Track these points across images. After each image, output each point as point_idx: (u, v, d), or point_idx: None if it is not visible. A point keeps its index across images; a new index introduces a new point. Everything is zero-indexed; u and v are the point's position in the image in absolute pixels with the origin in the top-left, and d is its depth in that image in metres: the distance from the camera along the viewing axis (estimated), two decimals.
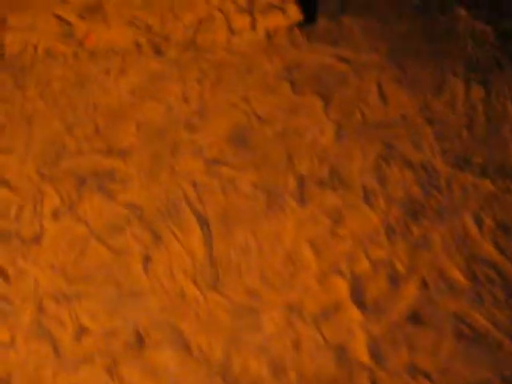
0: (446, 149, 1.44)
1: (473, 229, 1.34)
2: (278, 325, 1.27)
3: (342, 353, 1.23)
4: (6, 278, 1.35)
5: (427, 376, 1.18)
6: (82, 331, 1.26)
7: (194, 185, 1.43)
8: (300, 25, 1.61)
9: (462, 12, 1.64)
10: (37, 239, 1.38)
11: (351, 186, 1.41)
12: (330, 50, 1.58)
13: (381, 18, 1.66)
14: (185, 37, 1.61)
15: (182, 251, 1.35)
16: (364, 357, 1.23)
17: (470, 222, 1.35)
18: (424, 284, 1.29)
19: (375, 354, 1.22)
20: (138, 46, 1.61)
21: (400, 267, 1.31)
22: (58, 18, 1.65)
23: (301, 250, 1.35)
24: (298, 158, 1.45)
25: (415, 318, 1.26)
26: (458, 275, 1.29)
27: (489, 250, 1.32)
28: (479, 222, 1.34)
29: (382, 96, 1.53)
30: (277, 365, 1.23)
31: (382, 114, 1.50)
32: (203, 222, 1.38)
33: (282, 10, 1.59)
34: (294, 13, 1.59)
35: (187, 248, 1.35)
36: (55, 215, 1.40)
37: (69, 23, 1.65)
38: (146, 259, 1.34)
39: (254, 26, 1.59)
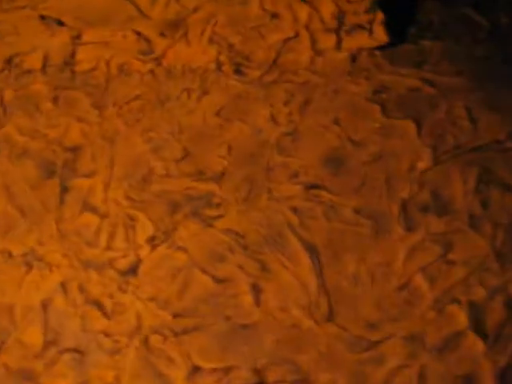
0: None
1: None
2: (400, 356, 1.25)
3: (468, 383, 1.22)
4: (105, 312, 1.27)
5: None
6: (194, 370, 1.20)
7: (295, 210, 1.39)
8: (382, 47, 1.59)
9: None
10: (134, 270, 1.31)
11: (455, 210, 1.40)
12: (415, 73, 1.56)
13: (458, 41, 1.66)
14: (267, 56, 1.57)
15: (293, 281, 1.31)
16: None
17: None
18: None
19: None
20: (219, 64, 1.56)
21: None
22: (137, 33, 1.59)
23: (414, 278, 1.32)
24: (397, 183, 1.43)
25: None
26: None
27: None
28: None
29: (472, 120, 1.52)
30: None
31: (474, 137, 1.49)
32: (311, 250, 1.34)
33: (369, 31, 1.57)
34: (381, 34, 1.57)
35: (297, 277, 1.31)
36: (151, 243, 1.34)
37: (147, 39, 1.59)
38: (256, 290, 1.29)
39: (338, 47, 1.56)
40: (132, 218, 1.36)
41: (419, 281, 1.32)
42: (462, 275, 1.32)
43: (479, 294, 1.30)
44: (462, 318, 1.28)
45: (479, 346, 1.25)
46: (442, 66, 1.62)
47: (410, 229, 1.38)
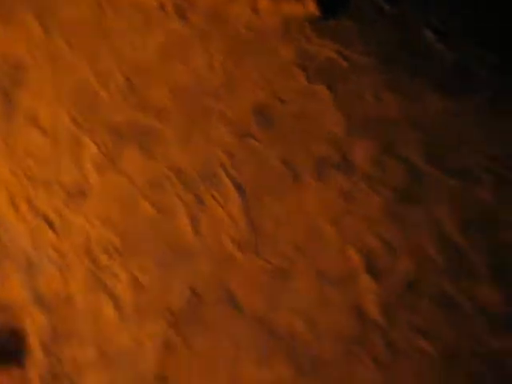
0: (430, 152, 1.76)
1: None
2: (308, 286, 1.50)
3: (358, 312, 1.51)
4: (54, 228, 1.34)
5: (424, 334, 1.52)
6: (138, 286, 1.34)
7: (228, 154, 1.55)
8: (312, 20, 1.78)
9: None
10: (81, 191, 1.38)
11: (359, 172, 1.66)
12: (335, 47, 1.78)
13: (373, 26, 1.90)
14: (210, 5, 1.67)
15: (225, 216, 1.49)
16: (377, 316, 1.52)
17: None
18: (416, 256, 1.61)
19: (386, 314, 1.52)
20: (162, 5, 1.63)
21: (396, 243, 1.62)
22: None
23: (320, 222, 1.57)
24: (315, 141, 1.65)
25: (410, 285, 1.59)
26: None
27: None
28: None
29: (376, 97, 1.79)
30: (308, 319, 1.46)
31: (378, 112, 1.76)
32: (240, 190, 1.52)
33: (304, 4, 1.74)
34: (313, 9, 1.75)
35: (229, 213, 1.49)
36: (97, 168, 1.42)
37: None
38: (193, 221, 1.45)
39: (275, 11, 1.72)
40: (78, 141, 1.43)
41: (326, 227, 1.58)
42: (358, 225, 1.61)
43: (373, 242, 1.59)
44: (357, 260, 1.57)
45: (368, 281, 1.55)
46: (357, 45, 1.86)
47: (319, 181, 1.63)
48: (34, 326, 1.23)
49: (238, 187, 1.54)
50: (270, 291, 1.47)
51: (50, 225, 1.34)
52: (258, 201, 1.54)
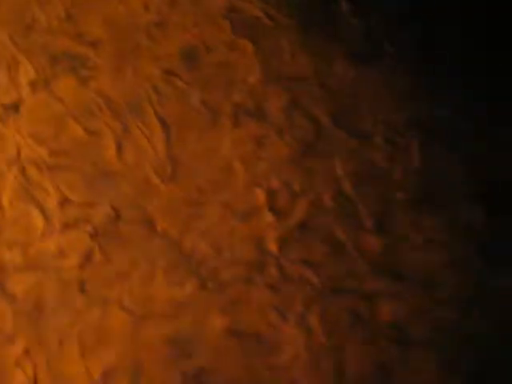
0: (335, 112, 1.97)
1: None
2: (218, 217, 1.67)
3: (258, 243, 1.70)
4: None
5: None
6: (65, 201, 1.44)
7: (155, 89, 1.67)
8: None
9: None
10: (15, 107, 1.45)
11: (269, 120, 1.84)
12: (261, 6, 1.93)
13: None
14: None
15: (148, 146, 1.61)
16: (274, 248, 1.72)
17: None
18: (313, 201, 1.82)
19: (281, 248, 1.72)
20: None
21: (297, 187, 1.82)
22: None
23: (233, 163, 1.74)
24: (233, 88, 1.81)
25: (305, 225, 1.80)
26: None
27: None
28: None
29: (292, 55, 1.96)
30: (216, 246, 1.63)
31: (291, 70, 1.94)
32: (163, 124, 1.65)
33: None
34: None
35: (151, 143, 1.62)
36: (32, 87, 1.49)
37: None
38: (118, 146, 1.56)
39: None
40: (16, 60, 1.50)
41: (238, 166, 1.75)
42: (266, 168, 1.79)
43: (277, 185, 1.79)
44: (262, 198, 1.76)
45: (270, 218, 1.74)
46: (282, 7, 2.03)
47: (235, 125, 1.79)
48: None
49: (162, 122, 1.67)
50: (184, 218, 1.63)
51: None
52: (179, 136, 1.68)
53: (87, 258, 1.45)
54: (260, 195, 1.79)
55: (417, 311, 1.94)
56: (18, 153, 1.46)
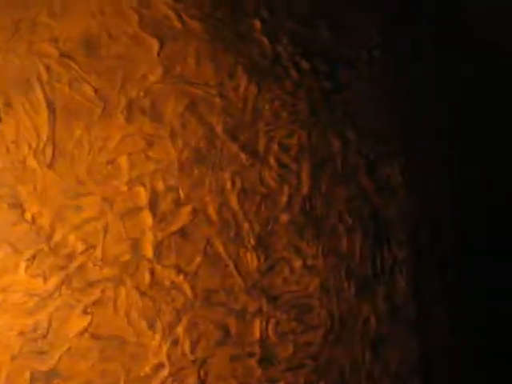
0: (230, 123, 1.95)
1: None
2: (95, 211, 1.58)
3: (134, 244, 1.63)
4: None
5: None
6: None
7: (47, 68, 1.57)
8: None
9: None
10: None
11: (164, 121, 1.78)
12: (175, 7, 1.88)
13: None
14: None
15: (30, 126, 1.50)
16: (149, 252, 1.65)
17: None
18: (197, 209, 1.77)
19: (157, 252, 1.66)
20: None
21: (182, 194, 1.77)
22: None
23: (119, 158, 1.66)
24: (131, 84, 1.74)
25: (185, 232, 1.75)
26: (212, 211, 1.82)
27: None
28: None
29: (198, 62, 1.93)
30: (88, 241, 1.54)
31: (195, 76, 1.90)
32: (50, 107, 1.55)
33: None
34: None
35: (34, 125, 1.51)
36: None
37: None
38: None
39: None
40: None
41: (123, 162, 1.68)
42: (153, 169, 1.73)
43: (161, 186, 1.73)
44: (144, 199, 1.69)
45: (149, 220, 1.68)
46: (194, 11, 1.99)
47: (127, 121, 1.72)
48: None
49: (50, 104, 1.57)
50: (58, 208, 1.53)
51: None
52: (65, 123, 1.59)
53: None
54: (143, 196, 1.72)
55: (286, 333, 1.94)
56: None
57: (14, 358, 1.41)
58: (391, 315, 2.29)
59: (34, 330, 1.45)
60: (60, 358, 1.47)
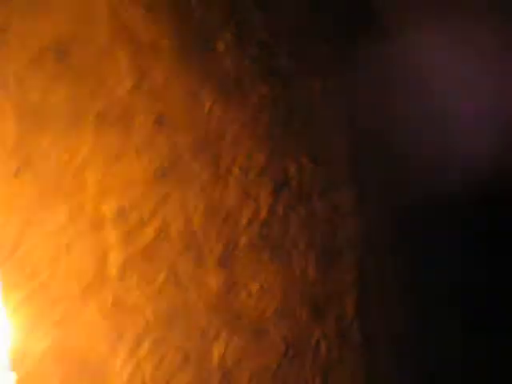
0: (195, 141, 1.92)
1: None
2: (58, 226, 1.50)
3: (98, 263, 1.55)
4: None
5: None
6: None
7: (16, 75, 1.49)
8: None
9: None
10: None
11: (131, 138, 1.73)
12: (143, 20, 1.85)
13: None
14: None
15: None
16: (113, 271, 1.58)
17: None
18: (159, 229, 1.72)
19: (121, 272, 1.59)
20: None
21: (146, 212, 1.71)
22: None
23: (86, 172, 1.59)
24: (99, 95, 1.68)
25: (147, 252, 1.69)
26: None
27: None
28: None
29: (166, 77, 1.89)
30: (52, 255, 1.46)
31: (163, 91, 1.87)
32: (19, 115, 1.47)
33: None
34: None
35: (0, 133, 1.42)
36: None
37: None
38: None
39: None
40: None
41: (89, 176, 1.61)
42: (118, 185, 1.67)
43: (126, 203, 1.67)
44: (108, 216, 1.62)
45: (113, 238, 1.62)
46: (165, 29, 1.96)
47: (95, 134, 1.66)
48: None
49: (18, 112, 1.49)
50: (21, 220, 1.45)
51: None
52: (33, 133, 1.51)
53: None
54: (107, 212, 1.66)
55: (244, 356, 1.91)
56: None
57: None
58: (341, 339, 2.31)
59: None
60: (21, 378, 1.37)
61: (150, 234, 1.73)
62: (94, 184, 1.62)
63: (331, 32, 2.61)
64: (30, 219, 1.47)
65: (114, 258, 1.63)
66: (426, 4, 2.71)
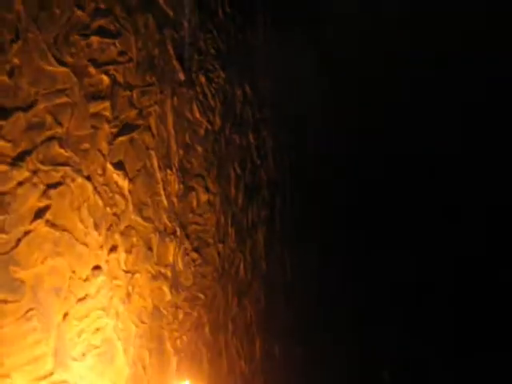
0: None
1: None
2: (66, 86, 1.34)
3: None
4: None
5: None
6: None
7: None
8: None
9: None
10: None
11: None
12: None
13: None
14: None
15: None
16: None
17: None
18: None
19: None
20: None
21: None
22: None
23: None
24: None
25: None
26: None
27: None
28: None
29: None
30: (57, 118, 1.30)
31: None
32: None
33: None
34: None
35: None
36: None
37: None
38: None
39: None
40: None
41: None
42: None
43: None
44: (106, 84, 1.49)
45: (108, 113, 1.49)
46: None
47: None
48: None
49: None
50: (35, 69, 1.27)
51: None
52: None
53: None
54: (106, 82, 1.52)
55: (189, 263, 1.88)
56: None
57: None
58: (252, 268, 2.36)
59: (0, 203, 1.17)
60: (18, 242, 1.21)
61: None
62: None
63: None
64: (45, 70, 1.29)
65: (107, 133, 1.50)
66: None
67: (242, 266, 2.27)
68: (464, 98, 4.66)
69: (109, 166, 1.49)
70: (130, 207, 1.57)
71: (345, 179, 4.16)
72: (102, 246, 1.45)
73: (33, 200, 1.26)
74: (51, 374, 1.29)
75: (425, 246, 4.91)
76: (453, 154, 4.85)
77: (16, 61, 1.22)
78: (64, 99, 1.36)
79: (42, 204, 1.28)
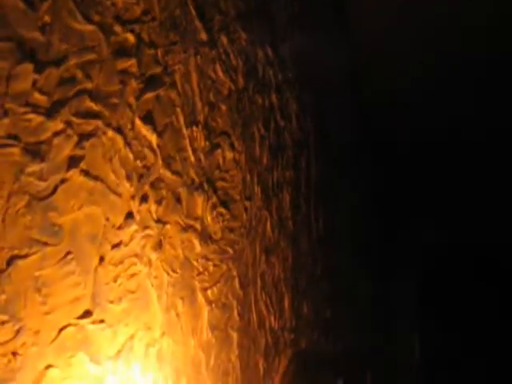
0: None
1: None
2: (94, 43, 1.40)
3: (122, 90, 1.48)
4: None
5: None
6: None
7: None
8: None
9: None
10: None
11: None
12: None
13: None
14: None
15: None
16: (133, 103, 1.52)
17: None
18: None
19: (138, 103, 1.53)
20: None
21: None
22: None
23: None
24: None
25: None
26: None
27: None
28: None
29: None
30: (86, 72, 1.37)
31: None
32: None
33: None
34: None
35: None
36: None
37: None
38: None
39: None
40: None
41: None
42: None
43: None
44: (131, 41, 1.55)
45: (135, 68, 1.55)
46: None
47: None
48: None
49: None
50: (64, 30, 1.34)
51: None
52: None
53: None
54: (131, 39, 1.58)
55: (218, 217, 1.95)
56: None
57: (16, 178, 1.20)
58: (279, 227, 2.42)
59: (38, 151, 1.25)
60: (55, 188, 1.29)
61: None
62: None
63: None
64: (73, 27, 1.37)
65: (134, 89, 1.57)
66: None
67: (268, 224, 2.34)
68: None
69: (137, 121, 1.56)
70: (159, 161, 1.64)
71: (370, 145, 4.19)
72: (133, 197, 1.53)
73: (67, 150, 1.33)
74: (90, 313, 1.38)
75: None
76: None
77: (47, 18, 1.30)
78: (93, 56, 1.43)
79: (76, 154, 1.35)
